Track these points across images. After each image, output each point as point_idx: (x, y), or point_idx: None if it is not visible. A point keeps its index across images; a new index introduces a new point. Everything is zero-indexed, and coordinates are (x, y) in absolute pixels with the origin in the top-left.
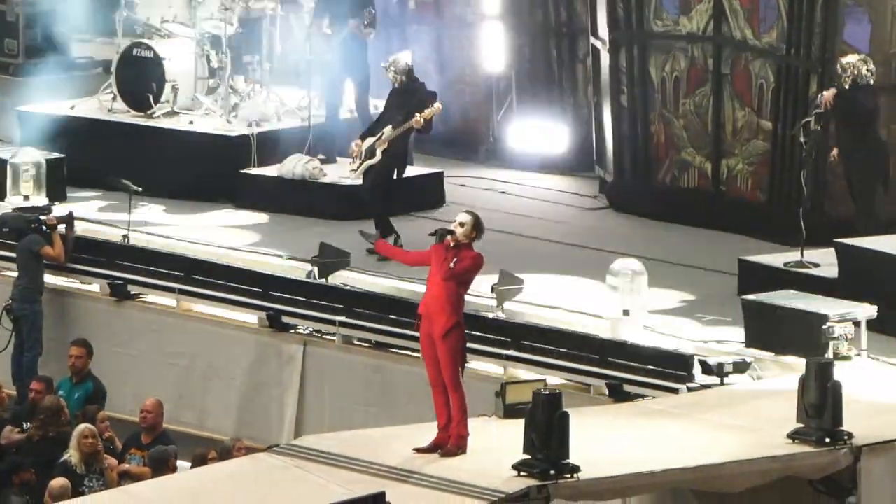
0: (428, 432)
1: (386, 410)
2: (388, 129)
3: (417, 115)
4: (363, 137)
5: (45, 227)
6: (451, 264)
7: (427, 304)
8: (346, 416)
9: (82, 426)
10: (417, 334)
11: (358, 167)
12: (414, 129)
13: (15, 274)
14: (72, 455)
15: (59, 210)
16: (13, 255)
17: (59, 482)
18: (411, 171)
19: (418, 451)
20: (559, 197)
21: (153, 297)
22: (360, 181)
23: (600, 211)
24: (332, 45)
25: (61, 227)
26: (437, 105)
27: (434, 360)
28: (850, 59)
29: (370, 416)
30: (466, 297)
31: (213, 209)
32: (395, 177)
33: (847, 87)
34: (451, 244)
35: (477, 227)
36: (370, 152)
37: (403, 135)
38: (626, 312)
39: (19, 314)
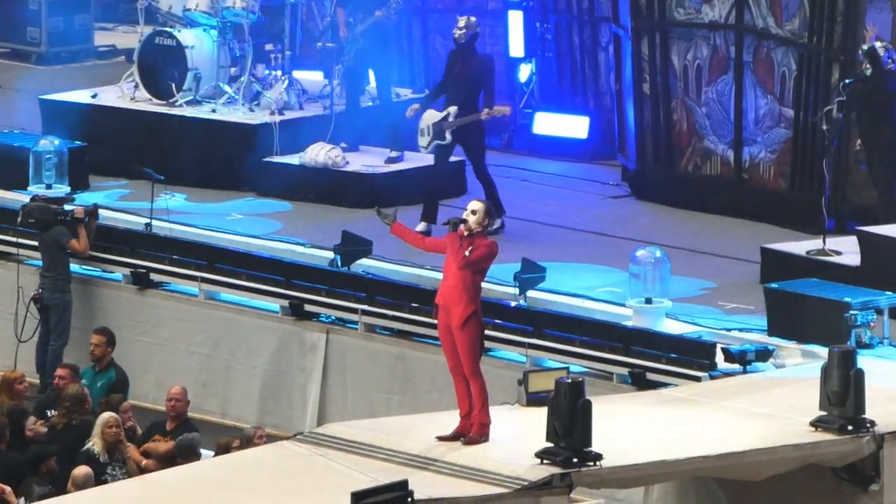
0: (450, 420)
1: (408, 398)
2: (453, 110)
3: (487, 109)
4: (424, 105)
5: (70, 219)
6: (466, 253)
7: (444, 294)
8: (369, 404)
9: (106, 415)
10: (436, 322)
11: (428, 145)
12: (480, 119)
13: (39, 263)
14: (95, 444)
15: (83, 200)
16: (35, 243)
17: (81, 471)
18: (431, 159)
19: (441, 439)
20: (581, 185)
21: (176, 286)
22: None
23: (623, 199)
24: (355, 33)
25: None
26: (507, 107)
27: (453, 349)
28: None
29: (392, 404)
30: (489, 286)
31: (236, 197)
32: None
33: (868, 74)
34: (465, 233)
35: (489, 214)
36: (439, 132)
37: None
38: (648, 300)
39: (50, 303)
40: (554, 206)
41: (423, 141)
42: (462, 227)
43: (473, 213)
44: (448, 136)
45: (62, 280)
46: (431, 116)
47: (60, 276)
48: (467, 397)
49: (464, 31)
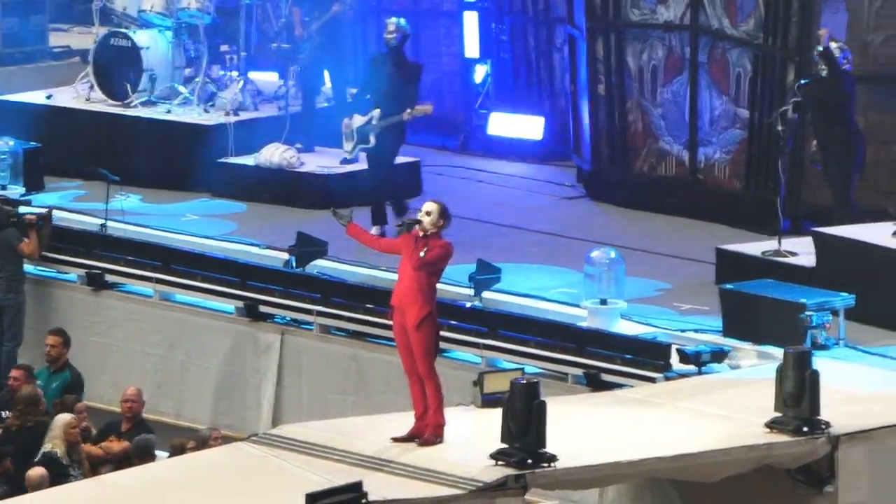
0: (405, 421)
1: (363, 399)
2: (376, 113)
3: (409, 109)
4: (351, 115)
5: (23, 222)
6: (421, 254)
7: (399, 295)
8: (324, 406)
9: (67, 416)
10: (391, 323)
11: (352, 150)
12: (403, 120)
13: None
14: (55, 445)
15: (38, 201)
16: None
17: (37, 472)
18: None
19: (395, 440)
20: (536, 186)
21: (131, 287)
22: (340, 169)
23: (578, 200)
24: (310, 32)
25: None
26: (429, 106)
27: (408, 350)
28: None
29: (347, 405)
30: (444, 287)
31: (191, 198)
32: (394, 160)
33: (824, 74)
34: (420, 234)
35: (443, 215)
36: (363, 136)
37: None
38: (603, 301)
39: (3, 304)
40: (509, 207)
41: (347, 146)
42: (417, 227)
43: (428, 213)
44: (372, 139)
45: (15, 281)
46: (357, 121)
47: (13, 277)
48: (422, 398)
49: (394, 34)
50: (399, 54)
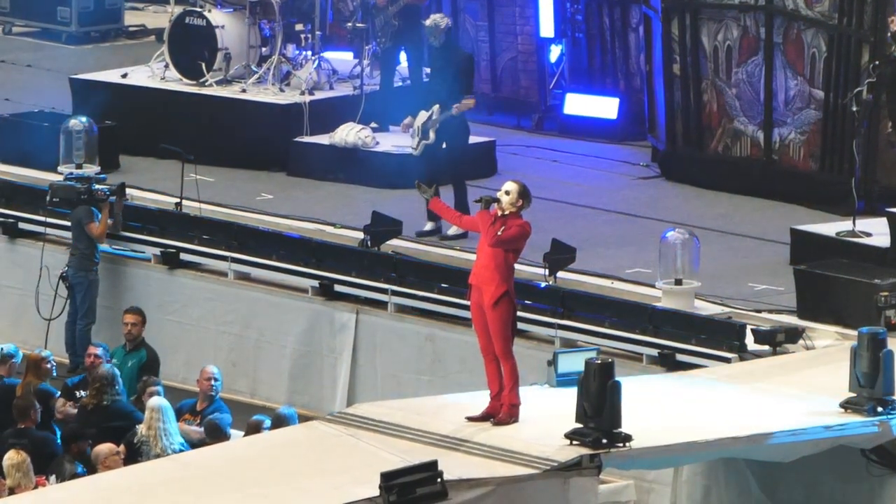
0: (480, 401)
1: (438, 379)
2: (436, 109)
3: (455, 107)
4: (415, 113)
5: (94, 198)
6: (499, 232)
7: (476, 274)
8: (398, 385)
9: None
10: (469, 302)
11: (417, 146)
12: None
13: (69, 243)
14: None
15: (113, 179)
16: (65, 223)
17: (106, 446)
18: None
19: (470, 419)
20: (611, 166)
21: (206, 266)
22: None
23: (652, 180)
24: (388, 14)
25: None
26: (472, 101)
27: (485, 329)
28: None
29: (422, 385)
30: (520, 266)
31: (266, 178)
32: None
33: None
34: (498, 213)
35: (523, 195)
36: (424, 132)
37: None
38: (678, 281)
39: (74, 282)
40: (584, 187)
41: (413, 143)
42: (495, 206)
43: (507, 193)
44: (432, 134)
45: (86, 260)
46: (420, 118)
47: (85, 255)
48: (498, 378)
49: (436, 37)
50: (449, 48)
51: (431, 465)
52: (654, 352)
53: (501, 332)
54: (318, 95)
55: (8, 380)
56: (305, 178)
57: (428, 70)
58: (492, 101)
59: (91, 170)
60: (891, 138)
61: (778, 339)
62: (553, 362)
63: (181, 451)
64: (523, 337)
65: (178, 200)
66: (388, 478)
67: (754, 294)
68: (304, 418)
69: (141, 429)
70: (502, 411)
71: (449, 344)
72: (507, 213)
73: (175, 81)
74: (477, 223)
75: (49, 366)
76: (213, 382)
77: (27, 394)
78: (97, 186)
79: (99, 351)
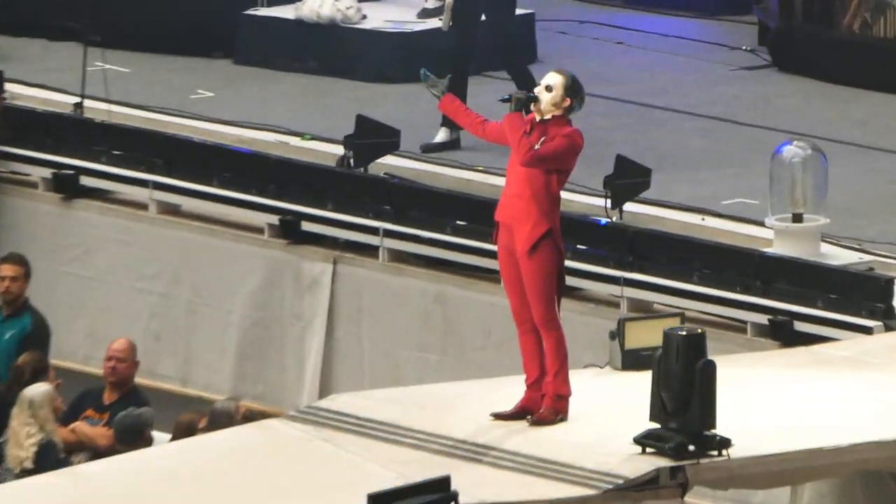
0: (512, 390)
1: (452, 359)
2: None
3: None
4: None
5: None
6: (537, 145)
7: (506, 207)
8: (394, 367)
9: (44, 387)
10: (496, 247)
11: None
12: None
13: None
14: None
15: None
16: None
17: None
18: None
19: (497, 417)
20: (702, 50)
21: (118, 194)
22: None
23: (760, 71)
24: None
25: None
26: None
27: (518, 284)
28: None
29: (428, 367)
30: (569, 196)
31: (205, 67)
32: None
33: None
34: (536, 118)
35: (571, 91)
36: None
37: None
38: (797, 217)
39: None
40: (662, 81)
41: (445, 17)
42: (532, 107)
43: (548, 88)
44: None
45: None
46: None
47: None
48: (537, 357)
49: None
50: None
51: (442, 484)
52: (763, 318)
53: (542, 289)
54: None
55: None
56: (260, 68)
57: None
58: None
59: None
60: None
61: None
62: (617, 334)
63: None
64: (574, 297)
65: (77, 100)
66: (377, 501)
67: None
68: (258, 415)
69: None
70: (543, 405)
71: (466, 308)
72: (548, 117)
73: None
74: (505, 132)
75: None
76: (126, 364)
77: None
78: None
79: None
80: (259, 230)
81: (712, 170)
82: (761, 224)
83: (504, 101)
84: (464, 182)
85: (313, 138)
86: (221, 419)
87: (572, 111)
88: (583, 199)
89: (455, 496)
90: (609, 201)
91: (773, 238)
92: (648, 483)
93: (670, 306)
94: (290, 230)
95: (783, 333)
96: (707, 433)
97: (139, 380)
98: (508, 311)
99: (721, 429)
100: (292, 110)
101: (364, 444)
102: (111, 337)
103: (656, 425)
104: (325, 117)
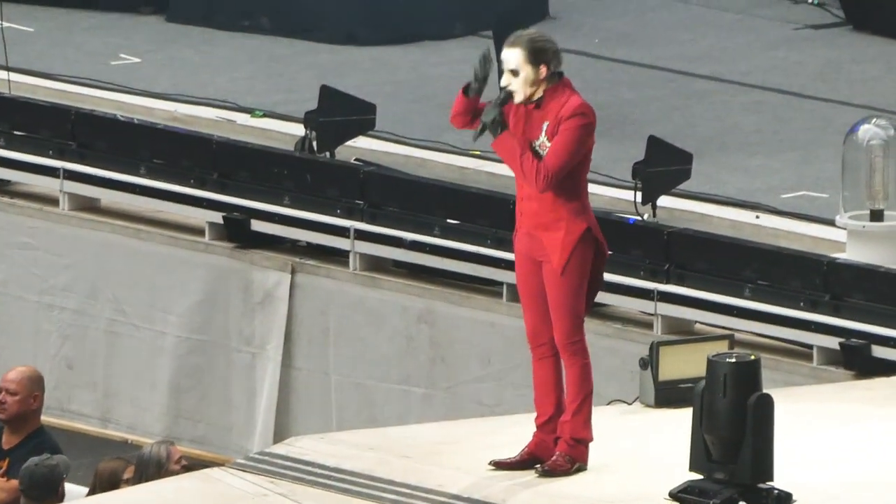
0: (519, 431)
1: (441, 392)
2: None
3: None
4: None
5: None
6: (541, 138)
7: (526, 214)
8: (368, 402)
9: None
10: (494, 253)
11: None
12: None
13: None
14: None
15: None
16: None
17: None
18: None
19: (499, 465)
20: (756, 5)
21: (20, 185)
22: None
23: (830, 30)
24: None
25: None
26: None
27: (539, 299)
28: None
29: (413, 402)
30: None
31: (130, 26)
32: None
33: None
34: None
35: (538, 57)
36: None
37: None
38: (875, 215)
39: None
40: (704, 45)
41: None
42: (510, 100)
43: (514, 73)
44: None
45: None
46: None
47: None
48: (554, 390)
49: None
50: None
51: None
52: (834, 342)
53: (572, 304)
54: None
55: None
56: (199, 27)
57: None
58: None
59: None
60: None
61: None
62: (650, 361)
63: None
64: (596, 315)
65: None
66: None
67: None
68: (197, 463)
69: None
70: (557, 451)
71: (458, 329)
72: (536, 98)
73: None
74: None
75: None
76: (18, 398)
77: None
78: None
79: None
80: (199, 231)
81: (769, 155)
82: (831, 223)
83: (479, 134)
84: (456, 170)
85: (265, 115)
86: (151, 468)
87: (556, 72)
88: (606, 192)
89: None
90: (639, 194)
91: (845, 241)
92: None
93: (716, 326)
94: (237, 231)
95: (858, 360)
96: (762, 486)
97: (48, 418)
98: (510, 333)
99: (779, 481)
100: (239, 80)
101: (331, 501)
102: (11, 364)
103: (698, 476)
104: (280, 89)
